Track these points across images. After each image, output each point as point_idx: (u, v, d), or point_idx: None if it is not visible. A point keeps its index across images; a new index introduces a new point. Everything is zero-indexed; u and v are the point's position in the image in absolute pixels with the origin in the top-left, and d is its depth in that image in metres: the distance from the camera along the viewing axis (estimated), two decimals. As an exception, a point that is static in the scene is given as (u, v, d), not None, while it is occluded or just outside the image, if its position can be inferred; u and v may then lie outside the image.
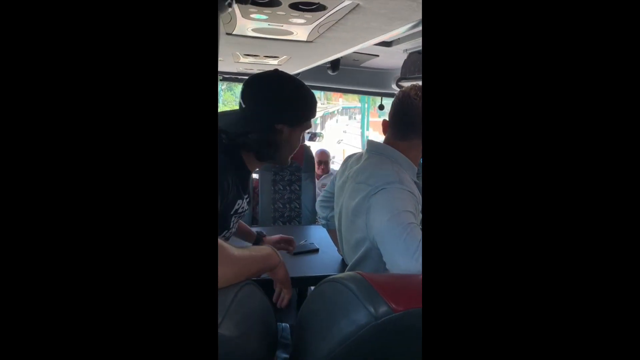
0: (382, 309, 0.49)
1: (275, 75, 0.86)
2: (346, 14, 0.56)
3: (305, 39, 0.78)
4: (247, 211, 0.99)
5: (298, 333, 0.60)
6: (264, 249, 0.70)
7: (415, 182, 0.85)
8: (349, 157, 1.04)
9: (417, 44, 1.45)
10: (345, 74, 2.03)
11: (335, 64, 1.82)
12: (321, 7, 0.54)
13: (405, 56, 1.66)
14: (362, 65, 1.98)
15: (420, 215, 0.82)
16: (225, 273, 0.54)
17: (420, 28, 0.97)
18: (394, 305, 0.49)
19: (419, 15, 0.53)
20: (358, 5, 0.51)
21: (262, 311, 0.59)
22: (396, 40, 1.41)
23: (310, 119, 0.89)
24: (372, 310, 0.49)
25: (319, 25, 0.65)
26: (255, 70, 1.59)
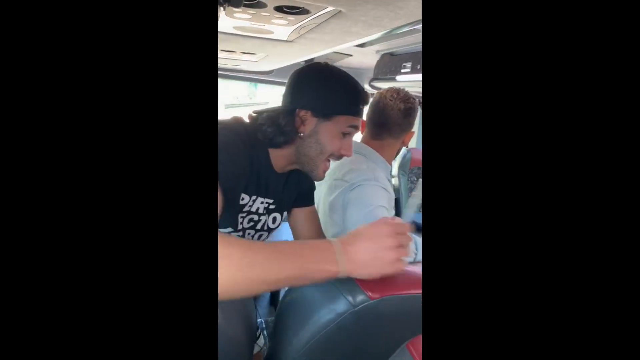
0: (360, 297, 0.52)
1: (316, 65, 0.75)
2: (328, 18, 0.58)
3: (285, 39, 0.80)
4: (265, 221, 0.82)
5: (278, 323, 0.63)
6: (313, 243, 0.51)
7: (388, 180, 0.90)
8: None
9: (389, 45, 1.50)
10: (318, 72, 2.05)
11: (308, 62, 1.84)
12: (304, 11, 0.56)
13: (378, 57, 1.70)
14: (335, 64, 2.01)
15: (393, 211, 0.86)
16: (224, 274, 0.39)
17: (394, 32, 1.01)
18: (370, 293, 0.52)
19: (396, 23, 0.57)
20: (340, 11, 0.54)
21: (245, 302, 0.61)
22: (370, 42, 1.45)
23: (347, 114, 0.72)
24: (350, 298, 0.52)
25: (300, 27, 0.67)
26: (229, 65, 1.58)
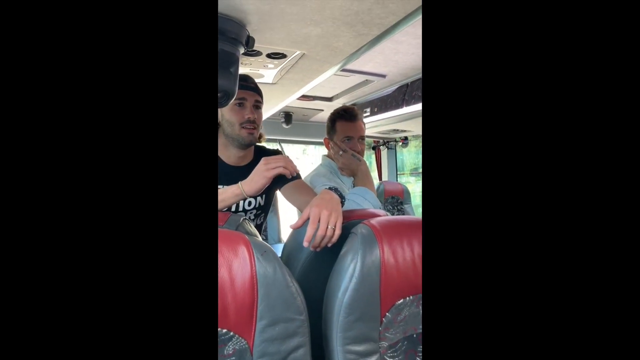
0: None
1: None
2: (298, 59, 0.98)
3: (271, 82, 1.20)
4: (240, 204, 1.09)
5: (283, 258, 0.90)
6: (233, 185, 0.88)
7: (335, 177, 1.31)
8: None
9: (351, 98, 1.95)
10: (297, 128, 2.46)
11: (288, 118, 2.26)
12: (284, 56, 0.96)
13: (343, 109, 2.15)
14: (310, 119, 2.44)
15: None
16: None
17: (348, 84, 1.45)
18: None
19: (337, 59, 0.97)
20: (304, 54, 0.94)
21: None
22: (336, 95, 1.90)
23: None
24: None
25: (281, 69, 1.07)
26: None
